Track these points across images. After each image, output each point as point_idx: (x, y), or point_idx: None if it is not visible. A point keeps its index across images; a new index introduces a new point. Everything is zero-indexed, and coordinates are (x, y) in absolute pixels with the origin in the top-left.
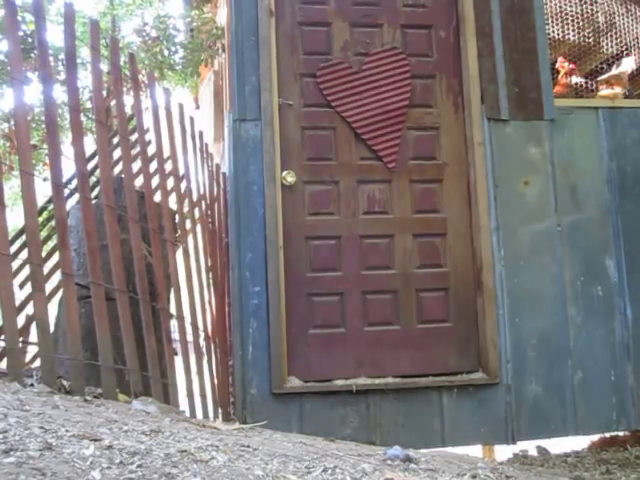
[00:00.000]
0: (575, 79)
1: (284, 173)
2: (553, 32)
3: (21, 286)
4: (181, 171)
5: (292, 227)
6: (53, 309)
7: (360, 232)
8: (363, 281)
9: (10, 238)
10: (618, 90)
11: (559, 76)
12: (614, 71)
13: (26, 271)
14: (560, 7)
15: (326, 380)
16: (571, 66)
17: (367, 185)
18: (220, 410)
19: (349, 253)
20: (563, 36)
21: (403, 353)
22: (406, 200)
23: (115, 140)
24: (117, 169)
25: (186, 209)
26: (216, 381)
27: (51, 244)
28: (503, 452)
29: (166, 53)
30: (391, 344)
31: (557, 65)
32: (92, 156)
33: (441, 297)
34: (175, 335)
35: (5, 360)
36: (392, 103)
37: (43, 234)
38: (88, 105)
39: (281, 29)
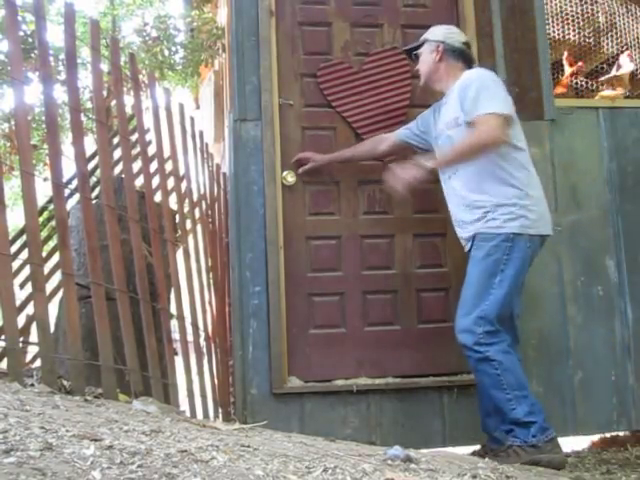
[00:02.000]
0: (579, 78)
1: (284, 173)
2: (553, 32)
3: (21, 286)
4: (181, 171)
5: (292, 227)
6: (53, 309)
7: (360, 232)
8: (363, 281)
9: (10, 238)
10: (619, 91)
11: (564, 77)
12: (616, 72)
13: (26, 271)
14: (560, 7)
15: (326, 380)
16: (579, 64)
17: (367, 185)
18: (220, 410)
19: (349, 253)
20: (563, 36)
21: (404, 353)
22: (406, 200)
23: (115, 140)
24: (117, 169)
25: (186, 209)
26: (216, 381)
27: (51, 244)
28: None
29: (166, 53)
30: (391, 344)
31: (564, 58)
32: (92, 156)
33: (441, 297)
34: (175, 335)
35: (5, 360)
36: (392, 103)
37: (43, 234)
38: (88, 105)
39: (281, 29)
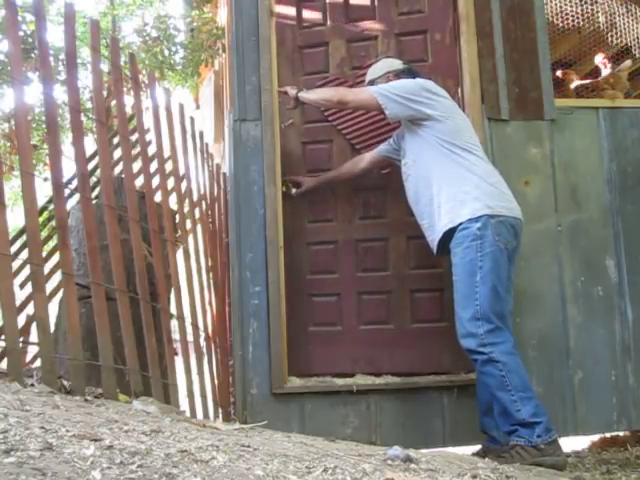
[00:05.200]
0: (575, 80)
1: (283, 188)
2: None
3: (21, 286)
4: (181, 171)
5: (294, 233)
6: (53, 309)
7: (356, 236)
8: (359, 282)
9: (10, 238)
10: (619, 90)
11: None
12: (613, 70)
13: (26, 271)
14: (560, 7)
15: (326, 374)
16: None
17: (362, 191)
18: (220, 410)
19: (346, 256)
20: (564, 36)
21: (397, 351)
22: (400, 203)
23: (115, 140)
24: (117, 169)
25: (186, 209)
26: (216, 381)
27: (51, 244)
28: None
29: (166, 53)
30: (385, 342)
31: (599, 62)
32: (92, 156)
33: (436, 297)
34: (175, 335)
35: (5, 360)
36: None
37: (43, 234)
38: (88, 105)
39: (283, 54)
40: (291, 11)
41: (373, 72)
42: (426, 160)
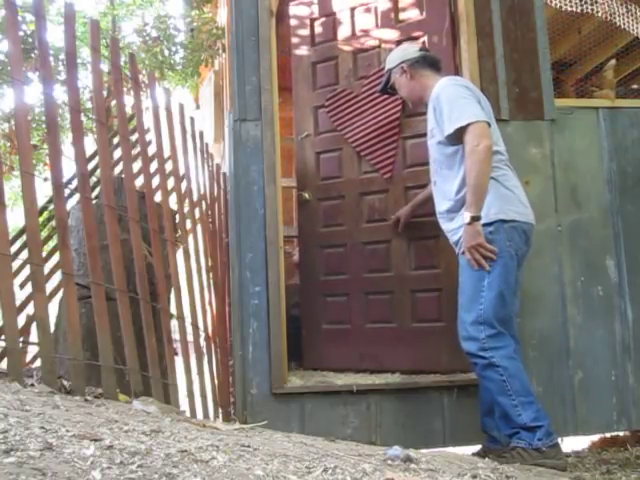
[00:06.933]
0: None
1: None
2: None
3: (21, 286)
4: (181, 171)
5: (309, 238)
6: (53, 309)
7: (363, 239)
8: (365, 283)
9: (10, 238)
10: (607, 91)
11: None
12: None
13: (26, 271)
14: (560, 7)
15: (336, 370)
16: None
17: (368, 196)
18: (220, 410)
19: (354, 258)
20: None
21: (399, 349)
22: (400, 206)
23: (115, 140)
24: (117, 169)
25: (186, 209)
26: (216, 381)
27: (51, 244)
28: None
29: (166, 53)
30: (389, 340)
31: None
32: (92, 156)
33: (434, 297)
34: (175, 335)
35: (5, 360)
36: (385, 118)
37: (43, 234)
38: (88, 105)
39: (300, 71)
40: (306, 30)
41: (389, 62)
42: (446, 160)
